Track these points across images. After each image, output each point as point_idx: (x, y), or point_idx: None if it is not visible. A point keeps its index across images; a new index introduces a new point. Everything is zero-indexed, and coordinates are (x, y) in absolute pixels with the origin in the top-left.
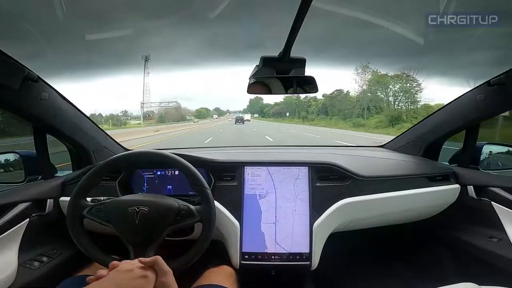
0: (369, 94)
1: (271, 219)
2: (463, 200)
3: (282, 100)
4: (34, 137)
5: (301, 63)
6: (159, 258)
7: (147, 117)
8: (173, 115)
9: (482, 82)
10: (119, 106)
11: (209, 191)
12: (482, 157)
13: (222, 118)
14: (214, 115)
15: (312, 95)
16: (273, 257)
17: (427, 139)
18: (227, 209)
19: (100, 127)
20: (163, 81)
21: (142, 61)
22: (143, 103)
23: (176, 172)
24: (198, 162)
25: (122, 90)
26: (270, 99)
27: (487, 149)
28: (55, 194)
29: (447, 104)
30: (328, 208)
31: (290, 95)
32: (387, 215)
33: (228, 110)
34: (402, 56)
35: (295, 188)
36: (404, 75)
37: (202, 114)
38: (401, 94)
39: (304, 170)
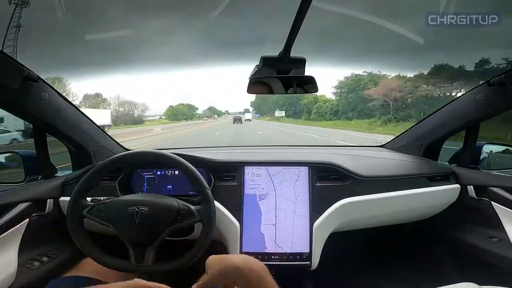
0: None
1: (271, 221)
2: (463, 200)
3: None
4: (34, 137)
5: (301, 63)
6: None
7: None
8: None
9: (482, 82)
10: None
11: (209, 191)
12: (482, 157)
13: (209, 120)
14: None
15: None
16: (273, 257)
17: (427, 139)
18: (227, 209)
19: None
20: (161, 80)
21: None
22: None
23: (176, 172)
24: (198, 162)
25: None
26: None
27: (487, 149)
28: (55, 194)
29: (447, 104)
30: (328, 208)
31: None
32: (387, 215)
33: (227, 111)
34: (402, 56)
35: (295, 190)
36: None
37: (182, 114)
38: None
39: (304, 170)
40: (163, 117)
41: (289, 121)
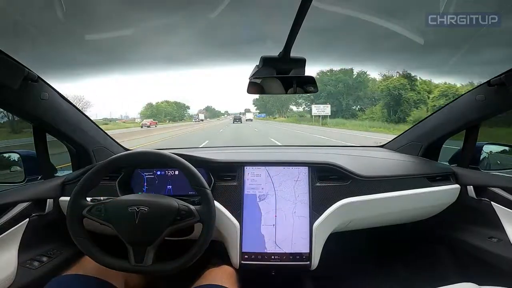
0: None
1: (271, 221)
2: (463, 200)
3: None
4: (34, 137)
5: (301, 63)
6: None
7: None
8: None
9: (482, 82)
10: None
11: (209, 191)
12: (482, 157)
13: (152, 128)
14: None
15: None
16: (273, 257)
17: (427, 139)
18: (227, 209)
19: (100, 127)
20: (161, 80)
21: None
22: None
23: (176, 172)
24: (198, 162)
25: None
26: None
27: (487, 149)
28: (55, 194)
29: (447, 104)
30: (328, 208)
31: None
32: (387, 215)
33: (227, 112)
34: (402, 55)
35: (295, 190)
36: None
37: (166, 114)
38: None
39: (304, 170)
40: (136, 119)
41: (357, 126)
